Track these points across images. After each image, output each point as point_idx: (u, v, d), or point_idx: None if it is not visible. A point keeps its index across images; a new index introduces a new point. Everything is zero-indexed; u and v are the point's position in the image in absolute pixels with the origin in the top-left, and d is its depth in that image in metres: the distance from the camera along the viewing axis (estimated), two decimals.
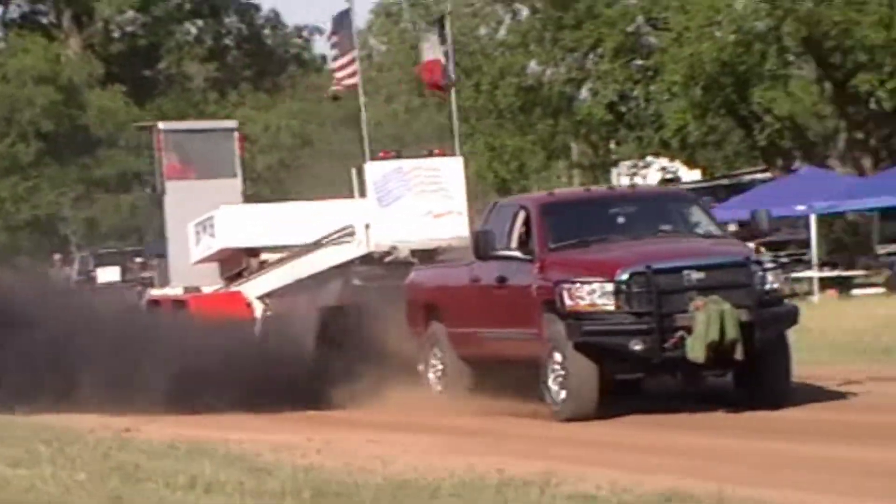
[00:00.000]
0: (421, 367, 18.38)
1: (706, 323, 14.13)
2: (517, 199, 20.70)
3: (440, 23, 22.00)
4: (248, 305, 21.67)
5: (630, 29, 48.80)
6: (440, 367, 18.21)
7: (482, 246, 16.26)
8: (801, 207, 38.68)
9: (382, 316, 18.81)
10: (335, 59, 22.71)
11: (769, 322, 14.84)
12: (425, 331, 18.59)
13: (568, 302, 14.67)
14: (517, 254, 15.97)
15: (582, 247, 15.93)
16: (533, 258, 15.64)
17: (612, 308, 14.60)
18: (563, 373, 14.87)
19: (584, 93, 50.91)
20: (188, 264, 22.85)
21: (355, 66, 21.94)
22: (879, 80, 42.08)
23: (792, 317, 15.67)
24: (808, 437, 13.07)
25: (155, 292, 24.29)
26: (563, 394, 14.95)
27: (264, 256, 22.27)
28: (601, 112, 47.57)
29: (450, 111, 23.48)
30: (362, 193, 20.88)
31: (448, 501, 9.05)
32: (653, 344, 14.47)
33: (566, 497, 8.74)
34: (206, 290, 23.23)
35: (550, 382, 15.09)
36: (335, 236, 21.01)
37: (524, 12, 52.21)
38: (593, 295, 14.61)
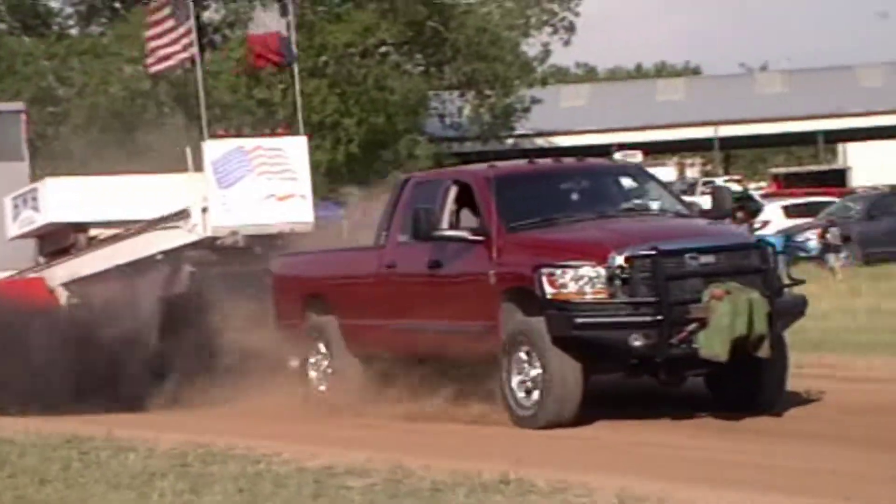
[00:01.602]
0: (294, 364, 15.57)
1: (732, 314, 11.37)
2: (444, 173, 17.70)
3: None
4: (51, 293, 18.72)
5: (43, 84, 55.58)
6: (325, 364, 15.23)
7: (424, 225, 13.15)
8: None
9: (233, 307, 15.87)
10: (169, 31, 18.78)
11: (785, 313, 12.39)
12: (302, 324, 15.65)
13: (549, 290, 11.77)
14: (466, 234, 13.08)
15: (549, 226, 13.15)
16: (487, 240, 12.74)
17: (603, 297, 11.73)
18: (536, 373, 11.91)
19: None
20: None
21: (191, 38, 18.53)
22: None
23: (802, 308, 13.10)
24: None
25: None
26: (534, 396, 12.06)
27: (94, 232, 19.11)
28: None
29: (294, 89, 20.69)
30: (198, 171, 17.71)
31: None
32: (657, 339, 11.60)
33: None
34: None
35: (514, 384, 12.14)
36: (168, 217, 17.86)
37: None
38: (581, 281, 11.70)
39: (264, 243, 17.68)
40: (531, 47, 57.04)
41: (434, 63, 51.71)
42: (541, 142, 57.62)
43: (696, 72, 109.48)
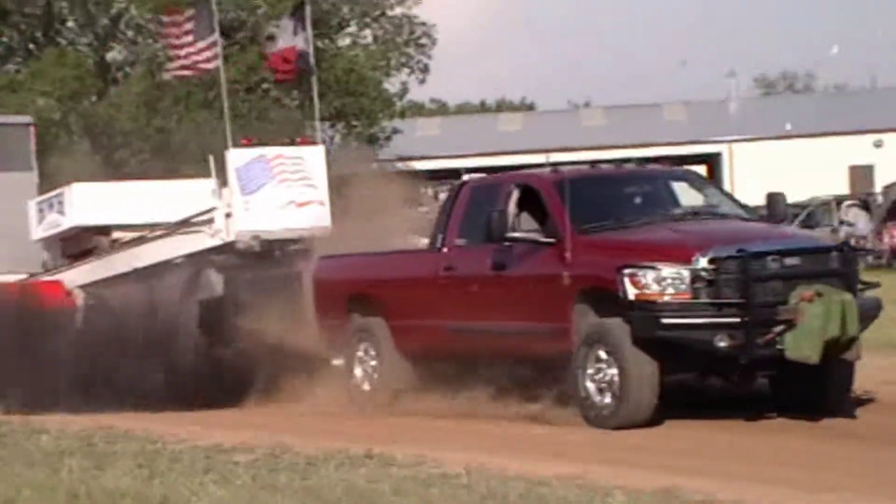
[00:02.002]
0: (338, 362, 14.46)
1: (825, 316, 10.42)
2: (503, 177, 15.30)
3: (300, 9, 18.28)
4: (69, 294, 17.63)
5: None
6: (372, 363, 14.11)
7: (497, 227, 12.03)
8: None
9: (268, 308, 14.99)
10: (193, 42, 18.16)
11: (865, 316, 11.26)
12: (345, 325, 14.45)
13: (632, 291, 10.71)
14: (537, 237, 12.00)
15: (621, 228, 12.19)
16: (558, 242, 11.61)
17: (686, 298, 10.71)
18: (613, 373, 10.90)
19: None
20: None
21: (216, 50, 18.16)
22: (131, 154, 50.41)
23: (878, 309, 12.00)
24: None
25: None
26: (608, 397, 11.05)
27: (117, 235, 18.14)
28: None
29: (311, 98, 19.59)
30: (222, 182, 16.85)
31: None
32: (743, 340, 10.61)
33: None
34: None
35: (588, 384, 11.09)
36: (191, 222, 17.04)
37: None
38: (664, 283, 10.71)
39: (283, 247, 16.81)
40: (392, 85, 59.38)
41: (309, 98, 52.30)
42: (400, 165, 59.69)
43: (531, 107, 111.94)
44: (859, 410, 11.86)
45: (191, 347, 15.77)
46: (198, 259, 17.20)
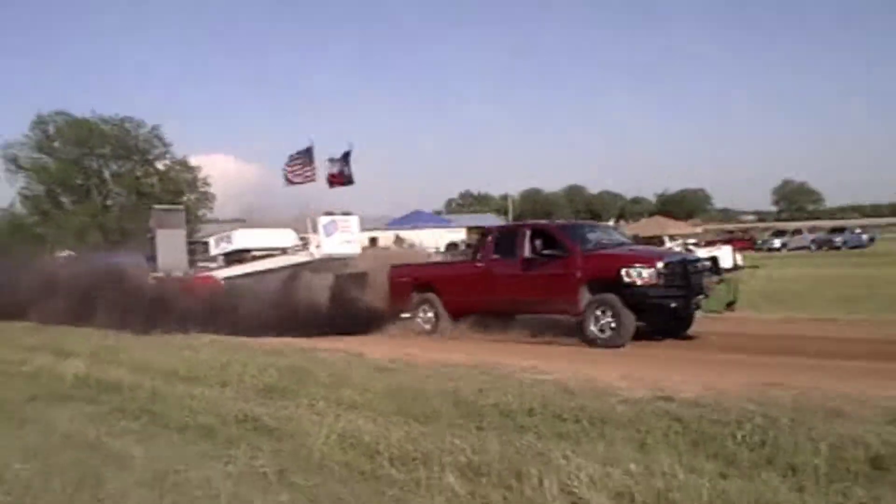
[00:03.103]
0: (406, 316, 17.32)
1: (726, 291, 14.80)
2: (519, 225, 19.85)
3: (346, 155, 22.63)
4: (217, 282, 22.00)
5: None
6: (429, 316, 16.95)
7: (529, 249, 15.58)
8: None
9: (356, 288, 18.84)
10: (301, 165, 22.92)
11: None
12: (410, 298, 17.31)
13: (626, 279, 14.04)
14: (558, 252, 15.00)
15: (604, 248, 15.50)
16: (571, 256, 14.71)
17: (655, 283, 13.92)
18: (608, 320, 14.05)
19: None
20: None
21: (313, 170, 22.62)
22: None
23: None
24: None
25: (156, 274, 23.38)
26: (607, 332, 13.97)
27: (253, 252, 22.94)
28: None
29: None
30: (314, 230, 21.25)
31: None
32: (684, 303, 14.16)
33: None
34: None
35: (592, 326, 14.18)
36: (296, 248, 21.83)
37: None
38: (644, 275, 14.00)
39: (336, 261, 20.85)
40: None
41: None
42: None
43: None
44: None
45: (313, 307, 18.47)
46: (297, 266, 21.11)
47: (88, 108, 77.04)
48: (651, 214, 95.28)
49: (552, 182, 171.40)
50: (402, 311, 17.18)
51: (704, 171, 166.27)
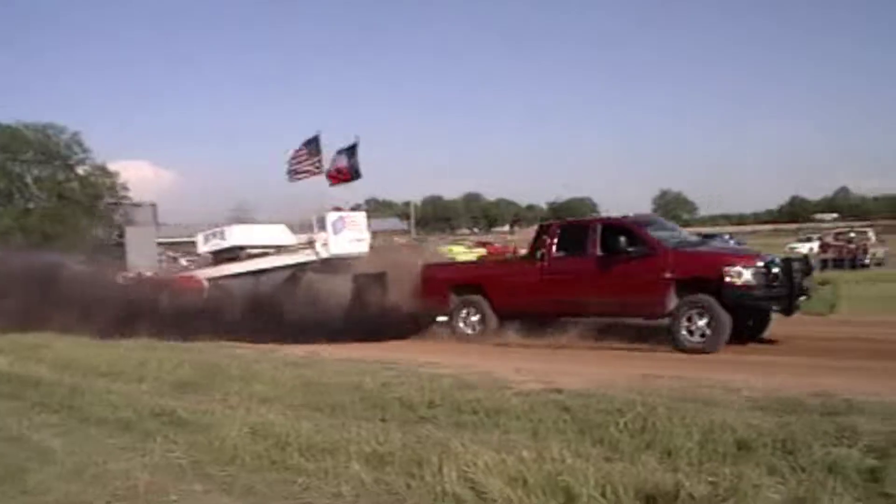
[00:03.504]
0: (443, 319, 14.81)
1: (832, 293, 13.12)
2: (587, 220, 15.49)
3: (352, 146, 19.57)
4: (199, 282, 19.08)
5: None
6: (474, 319, 14.23)
7: (610, 246, 12.91)
8: None
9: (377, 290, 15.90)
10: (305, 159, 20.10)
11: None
12: (448, 300, 14.61)
13: (727, 279, 11.80)
14: (644, 250, 12.67)
15: (689, 248, 13.37)
16: (661, 254, 12.30)
17: (754, 283, 11.84)
18: (702, 322, 11.82)
19: None
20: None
21: (320, 164, 19.77)
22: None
23: None
24: None
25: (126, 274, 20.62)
26: (696, 336, 11.82)
27: (250, 251, 19.59)
28: None
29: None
30: (321, 228, 18.17)
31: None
32: (787, 304, 12.15)
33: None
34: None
35: (682, 329, 11.94)
36: (299, 247, 18.59)
37: None
38: (744, 275, 11.80)
39: (343, 261, 17.79)
40: None
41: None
42: None
43: None
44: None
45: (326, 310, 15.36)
46: (300, 266, 17.79)
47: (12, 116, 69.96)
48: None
49: (452, 189, 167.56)
50: (438, 314, 14.50)
51: (595, 181, 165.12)
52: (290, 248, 18.11)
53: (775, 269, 11.52)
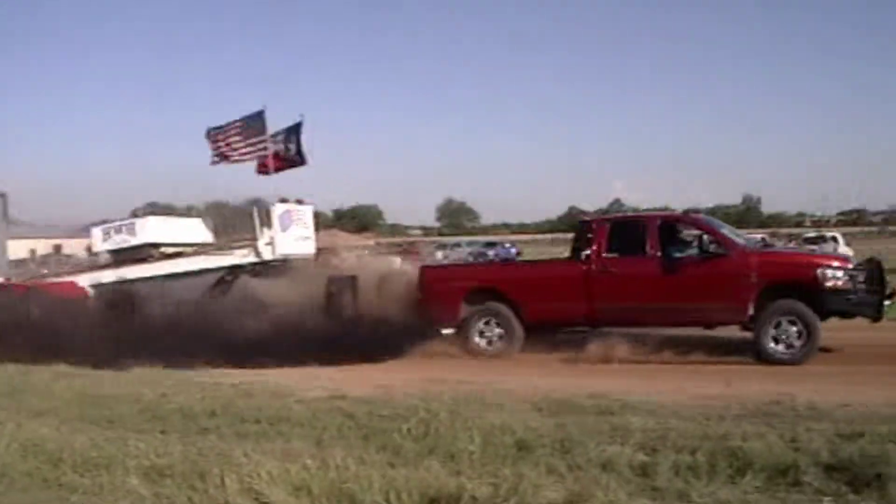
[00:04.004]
0: (448, 332, 10.98)
1: None
2: (643, 216, 12.12)
3: (296, 128, 14.68)
4: (83, 289, 13.37)
5: None
6: (495, 332, 10.81)
7: (681, 247, 10.26)
8: None
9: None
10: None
11: None
12: (458, 309, 10.90)
13: (824, 282, 9.43)
14: (718, 250, 9.97)
15: (766, 248, 11.17)
16: (740, 254, 9.95)
17: (849, 286, 9.53)
18: (792, 330, 9.47)
19: None
20: None
21: (265, 146, 14.43)
22: None
23: None
24: None
25: None
26: (782, 346, 9.44)
27: (164, 249, 13.89)
28: None
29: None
30: (264, 224, 13.41)
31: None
32: (877, 311, 9.68)
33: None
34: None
35: (767, 338, 9.51)
36: (236, 245, 13.63)
37: None
38: (840, 278, 9.46)
39: (286, 263, 13.50)
40: None
41: None
42: None
43: None
44: None
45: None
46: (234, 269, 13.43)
47: None
48: (327, 227, 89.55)
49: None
50: (444, 327, 10.97)
51: (382, 189, 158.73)
52: (223, 248, 13.63)
53: (867, 273, 9.69)
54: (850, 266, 9.63)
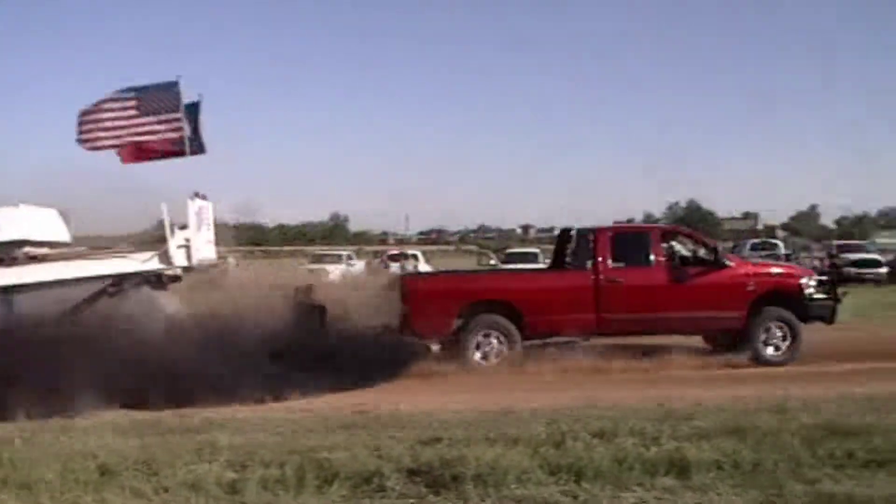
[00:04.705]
0: (436, 348, 10.46)
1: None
2: (644, 227, 13.51)
3: (193, 108, 11.39)
4: None
5: None
6: (496, 345, 10.08)
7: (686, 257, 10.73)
8: None
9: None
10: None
11: None
12: (451, 321, 10.07)
13: (807, 291, 10.58)
14: (725, 261, 10.69)
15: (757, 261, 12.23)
16: (738, 264, 10.75)
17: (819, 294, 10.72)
18: (779, 334, 10.40)
19: None
20: None
21: (178, 127, 11.16)
22: None
23: None
24: None
25: None
26: (770, 349, 10.37)
27: (27, 249, 10.10)
28: None
29: None
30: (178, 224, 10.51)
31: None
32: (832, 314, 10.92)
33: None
34: None
35: (759, 343, 10.39)
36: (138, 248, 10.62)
37: None
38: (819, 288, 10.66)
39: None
40: None
41: None
42: None
43: None
44: None
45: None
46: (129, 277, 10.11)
47: None
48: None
49: None
50: (432, 341, 10.29)
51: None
52: (117, 251, 10.60)
53: (828, 282, 10.98)
54: (818, 278, 10.80)
